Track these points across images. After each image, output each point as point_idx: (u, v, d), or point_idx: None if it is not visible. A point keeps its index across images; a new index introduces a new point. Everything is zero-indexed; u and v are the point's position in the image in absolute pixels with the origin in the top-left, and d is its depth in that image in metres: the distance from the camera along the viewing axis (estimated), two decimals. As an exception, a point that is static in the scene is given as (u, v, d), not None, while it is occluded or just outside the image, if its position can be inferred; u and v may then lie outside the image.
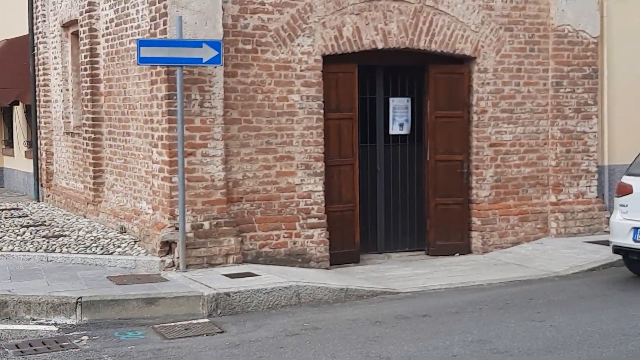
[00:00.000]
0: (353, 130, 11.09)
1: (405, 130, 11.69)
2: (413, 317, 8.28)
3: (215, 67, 9.99)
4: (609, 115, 12.75)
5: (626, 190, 9.89)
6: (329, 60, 10.82)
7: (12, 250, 10.93)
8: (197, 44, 9.66)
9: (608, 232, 10.56)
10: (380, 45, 11.05)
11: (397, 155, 11.72)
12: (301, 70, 10.62)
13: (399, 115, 11.61)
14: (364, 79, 11.29)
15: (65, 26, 14.52)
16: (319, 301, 9.06)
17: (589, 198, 12.48)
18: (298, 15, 10.56)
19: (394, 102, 11.58)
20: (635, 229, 9.58)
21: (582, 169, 12.40)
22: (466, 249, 11.79)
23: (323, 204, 10.79)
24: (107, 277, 9.48)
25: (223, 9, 10.11)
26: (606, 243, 10.69)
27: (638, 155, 10.28)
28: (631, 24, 12.86)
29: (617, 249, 9.96)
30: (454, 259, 11.45)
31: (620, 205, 9.94)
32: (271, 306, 8.83)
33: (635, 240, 9.58)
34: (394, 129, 11.62)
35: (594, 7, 12.35)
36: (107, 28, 12.47)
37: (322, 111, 10.77)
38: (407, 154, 11.77)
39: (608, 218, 11.34)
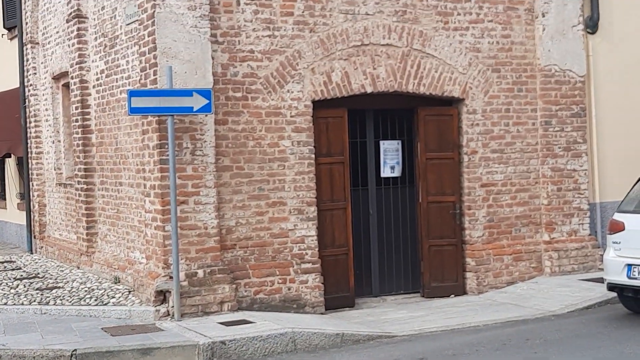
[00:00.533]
0: (345, 174, 11.11)
1: (396, 173, 11.72)
2: (410, 362, 8.25)
3: (206, 116, 10.04)
4: (598, 152, 12.82)
5: (618, 227, 9.87)
6: (318, 105, 10.89)
7: (5, 304, 10.87)
8: (187, 93, 9.71)
9: (602, 270, 10.53)
10: (369, 90, 11.13)
11: (389, 197, 11.73)
12: (291, 116, 10.67)
13: (390, 158, 11.65)
14: (354, 123, 11.36)
15: (56, 78, 14.60)
16: (315, 347, 9.00)
17: (582, 236, 12.49)
18: (287, 62, 10.64)
19: (385, 145, 11.64)
20: (629, 265, 9.56)
21: (574, 207, 12.41)
22: (461, 290, 11.75)
23: (317, 249, 10.77)
24: (102, 328, 9.43)
25: (212, 58, 10.19)
26: (600, 280, 10.66)
27: (629, 192, 10.29)
28: (617, 62, 12.98)
29: (612, 286, 9.91)
30: (449, 300, 11.43)
31: (613, 243, 9.92)
32: (267, 353, 8.78)
33: (629, 277, 9.55)
34: (386, 172, 11.65)
35: (579, 46, 12.46)
36: (97, 79, 12.55)
37: (313, 156, 10.79)
38: (399, 196, 11.78)
39: (601, 255, 11.34)
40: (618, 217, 9.97)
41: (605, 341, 8.77)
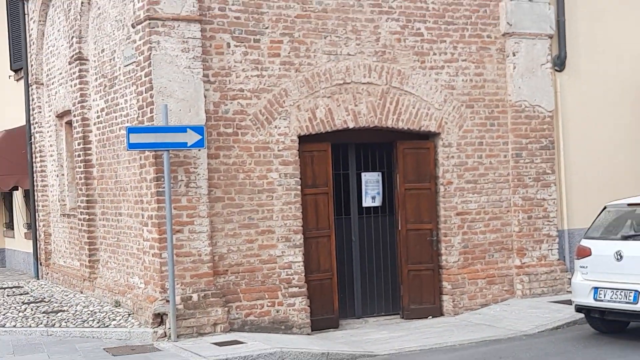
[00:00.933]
0: (329, 204, 11.21)
1: (377, 203, 11.81)
2: (389, 378, 8.34)
3: (199, 150, 10.16)
4: (566, 182, 12.93)
5: (585, 252, 9.99)
6: (304, 139, 11.00)
7: (14, 326, 10.99)
8: (181, 129, 9.84)
9: (570, 292, 10.63)
10: (351, 125, 11.24)
11: (371, 225, 11.81)
12: (279, 150, 10.79)
13: (371, 189, 11.74)
14: (337, 156, 11.47)
15: (60, 116, 14.72)
16: (302, 366, 9.10)
17: (551, 260, 12.59)
18: (274, 99, 10.78)
19: (366, 176, 11.73)
20: (595, 288, 9.69)
21: (543, 234, 12.52)
22: (438, 312, 11.82)
23: (303, 274, 10.86)
24: (104, 349, 9.54)
25: (205, 97, 10.31)
26: (569, 302, 10.73)
27: (595, 220, 10.42)
28: (584, 97, 13.11)
29: (579, 308, 10.04)
30: (427, 321, 11.49)
31: (581, 267, 10.04)
32: (257, 372, 8.88)
33: (595, 299, 9.67)
34: (367, 202, 11.73)
35: (548, 83, 12.62)
36: (98, 117, 12.67)
37: (299, 187, 10.90)
38: (380, 224, 11.86)
39: (570, 279, 11.42)
40: (585, 243, 10.10)
41: (575, 358, 8.94)
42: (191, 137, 9.87)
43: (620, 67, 13.52)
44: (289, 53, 10.91)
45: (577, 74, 13.16)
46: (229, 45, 10.58)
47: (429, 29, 11.85)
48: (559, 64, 12.96)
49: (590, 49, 13.28)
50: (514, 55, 12.39)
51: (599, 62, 13.34)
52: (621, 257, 9.55)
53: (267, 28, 10.79)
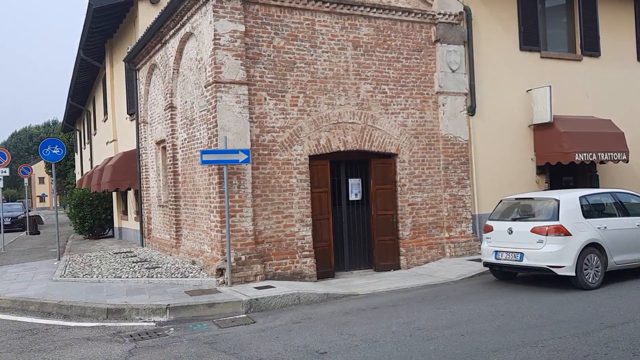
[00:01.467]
0: (328, 199, 11.04)
1: (358, 197, 11.61)
2: (367, 309, 8.22)
3: (246, 165, 10.03)
4: (477, 185, 12.73)
5: (489, 229, 9.88)
6: (312, 158, 10.85)
7: (127, 277, 10.80)
8: (235, 151, 9.72)
9: (480, 254, 10.47)
10: (342, 149, 11.08)
11: (355, 212, 11.61)
12: (296, 165, 10.63)
13: (354, 189, 11.56)
14: (333, 168, 11.30)
15: (158, 143, 14.57)
16: (311, 301, 8.97)
17: (468, 234, 12.38)
18: (294, 133, 10.63)
19: (352, 181, 11.57)
20: (496, 251, 9.56)
21: (463, 217, 12.34)
22: (397, 267, 11.63)
23: (311, 243, 10.69)
24: (185, 292, 9.36)
25: (250, 131, 10.18)
26: (479, 261, 10.67)
27: (495, 208, 10.28)
28: (487, 131, 12.94)
29: (486, 264, 9.91)
30: (390, 273, 11.31)
31: (486, 238, 9.91)
32: (283, 305, 8.74)
33: (496, 259, 9.56)
34: (352, 197, 11.55)
35: (464, 123, 12.46)
36: (182, 144, 12.52)
37: (309, 188, 10.74)
38: (360, 211, 11.65)
39: (480, 246, 11.37)
40: (489, 222, 9.98)
41: (483, 296, 8.80)
42: (241, 156, 9.76)
43: (508, 113, 13.36)
44: (303, 104, 10.76)
45: (482, 117, 12.97)
46: (265, 99, 10.42)
47: (390, 89, 11.70)
48: (471, 111, 12.79)
49: (490, 102, 13.10)
50: (443, 105, 12.24)
51: (495, 110, 13.16)
52: (512, 231, 9.41)
53: (289, 88, 10.64)
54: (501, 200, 10.32)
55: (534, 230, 9.06)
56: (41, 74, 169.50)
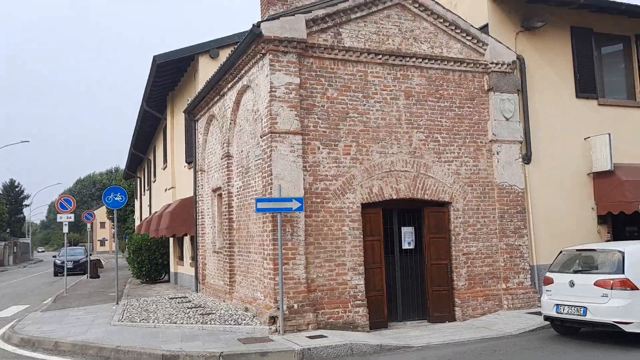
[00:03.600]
0: (380, 247, 10.89)
1: (412, 246, 11.41)
2: (422, 363, 7.96)
3: (299, 213, 10.06)
4: (534, 234, 12.35)
5: (549, 281, 9.51)
6: (365, 206, 10.78)
7: (182, 323, 10.87)
8: (289, 199, 9.78)
9: (540, 307, 10.07)
10: (394, 197, 10.98)
11: (408, 261, 11.38)
12: (349, 213, 10.58)
13: (407, 237, 11.39)
14: (385, 217, 11.16)
15: (214, 191, 14.85)
16: (364, 352, 8.76)
17: (526, 286, 11.88)
18: (347, 181, 10.64)
19: (405, 229, 11.41)
20: (557, 305, 9.16)
21: (520, 268, 11.88)
22: (452, 318, 11.25)
23: (364, 292, 10.50)
24: (238, 339, 9.33)
25: (304, 179, 10.26)
26: (539, 314, 10.24)
27: (555, 259, 9.90)
28: (543, 180, 12.62)
29: (547, 318, 9.50)
30: (445, 324, 10.94)
31: (546, 290, 9.53)
32: (335, 356, 8.57)
33: (557, 312, 9.16)
34: (405, 246, 11.36)
35: (520, 171, 12.17)
36: (237, 191, 12.72)
37: (362, 236, 10.63)
38: (414, 260, 11.42)
39: (539, 298, 10.94)
40: (549, 274, 9.61)
41: (544, 351, 8.40)
42: (294, 204, 9.81)
43: (566, 161, 12.99)
44: (355, 152, 10.81)
45: (539, 165, 12.68)
46: (319, 148, 10.54)
47: (443, 137, 11.63)
48: (527, 159, 12.54)
49: (547, 150, 12.82)
50: (497, 153, 12.03)
51: (552, 158, 12.85)
52: (573, 284, 9.03)
53: (342, 137, 10.74)
54: (561, 251, 9.96)
55: (597, 284, 8.64)
56: (106, 122, 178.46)
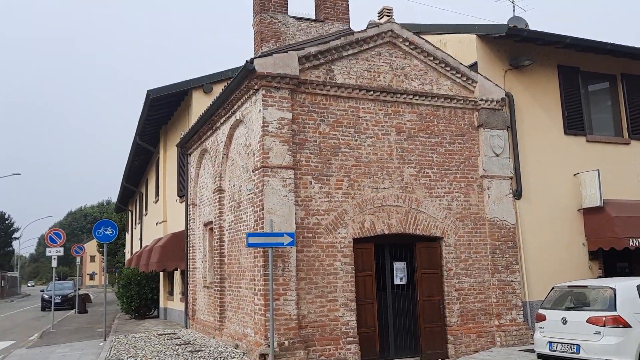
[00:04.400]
0: (372, 283, 10.80)
1: (404, 282, 11.32)
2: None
3: (291, 248, 9.99)
4: (526, 270, 12.26)
5: (542, 318, 9.43)
6: (357, 241, 10.73)
7: (170, 360, 10.67)
8: (280, 234, 9.72)
9: (533, 344, 9.92)
10: (386, 232, 10.95)
11: (400, 297, 11.28)
12: (341, 248, 10.53)
13: (399, 272, 11.32)
14: (377, 252, 11.11)
15: (205, 224, 14.77)
16: (355, 391, 8.57)
17: (519, 322, 11.76)
18: (339, 215, 10.62)
19: (396, 265, 11.34)
20: (550, 342, 9.06)
21: (513, 304, 11.78)
22: (445, 355, 11.09)
23: (356, 329, 10.36)
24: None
25: (295, 214, 10.23)
26: (532, 351, 10.04)
27: (547, 296, 9.83)
28: (534, 215, 12.60)
29: (540, 355, 9.35)
30: (438, 362, 10.82)
31: (539, 327, 9.43)
32: (326, 395, 8.38)
33: (550, 350, 9.05)
34: (397, 281, 11.28)
35: (510, 206, 12.19)
36: (229, 226, 12.65)
37: (353, 271, 10.55)
38: (406, 296, 11.32)
39: (532, 335, 10.81)
40: (541, 311, 9.53)
41: (538, 391, 8.26)
42: (286, 239, 9.74)
43: (556, 197, 13.02)
44: (347, 187, 10.82)
45: (529, 201, 12.67)
46: (310, 182, 10.55)
47: (434, 172, 11.68)
48: (517, 195, 12.54)
49: (537, 185, 12.85)
50: (488, 189, 12.07)
51: (542, 193, 12.87)
52: (566, 321, 8.95)
53: (334, 172, 10.77)
54: (553, 288, 9.89)
55: (590, 321, 8.57)
56: (98, 155, 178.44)
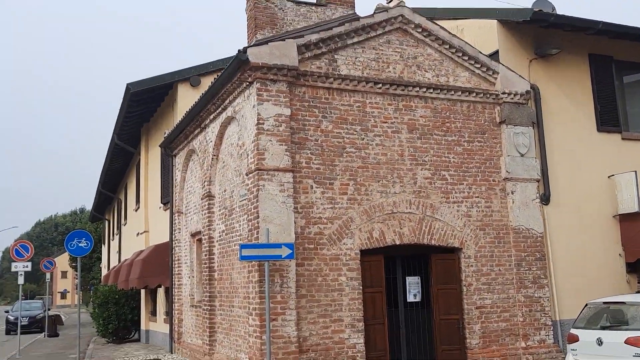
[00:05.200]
0: (382, 300, 10.75)
1: (418, 299, 11.29)
2: None
3: (290, 261, 9.95)
4: (556, 285, 12.23)
5: (574, 339, 9.43)
6: (364, 252, 10.69)
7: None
8: (278, 245, 9.69)
9: (565, 368, 9.93)
10: (398, 242, 10.92)
11: (414, 316, 11.25)
12: (346, 260, 10.50)
13: (413, 288, 11.29)
14: (388, 265, 11.07)
15: (193, 235, 14.72)
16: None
17: (548, 343, 11.73)
18: (343, 224, 10.60)
19: (409, 279, 11.31)
20: (584, 365, 9.03)
21: (541, 323, 11.75)
22: (465, 382, 11.08)
23: (364, 352, 10.30)
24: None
25: (295, 222, 10.20)
26: (564, 376, 10.08)
27: (580, 314, 9.83)
28: (564, 223, 12.61)
29: (572, 380, 9.33)
30: (457, 389, 10.77)
31: (571, 349, 9.43)
32: None
33: (584, 374, 9.03)
34: (410, 298, 11.25)
35: (537, 212, 12.18)
36: (219, 236, 12.61)
37: (361, 287, 10.51)
38: (420, 315, 11.28)
39: (563, 358, 10.78)
40: (574, 331, 9.53)
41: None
42: (284, 251, 9.71)
43: (588, 201, 13.02)
44: (353, 192, 10.81)
45: (558, 206, 12.68)
46: (312, 187, 10.54)
47: (451, 175, 11.69)
48: (545, 199, 12.55)
49: (567, 189, 12.87)
50: (512, 193, 12.07)
51: (573, 198, 12.88)
52: (601, 342, 8.95)
53: (338, 175, 10.77)
54: (587, 304, 9.91)
55: (629, 342, 8.53)
56: (69, 159, 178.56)
